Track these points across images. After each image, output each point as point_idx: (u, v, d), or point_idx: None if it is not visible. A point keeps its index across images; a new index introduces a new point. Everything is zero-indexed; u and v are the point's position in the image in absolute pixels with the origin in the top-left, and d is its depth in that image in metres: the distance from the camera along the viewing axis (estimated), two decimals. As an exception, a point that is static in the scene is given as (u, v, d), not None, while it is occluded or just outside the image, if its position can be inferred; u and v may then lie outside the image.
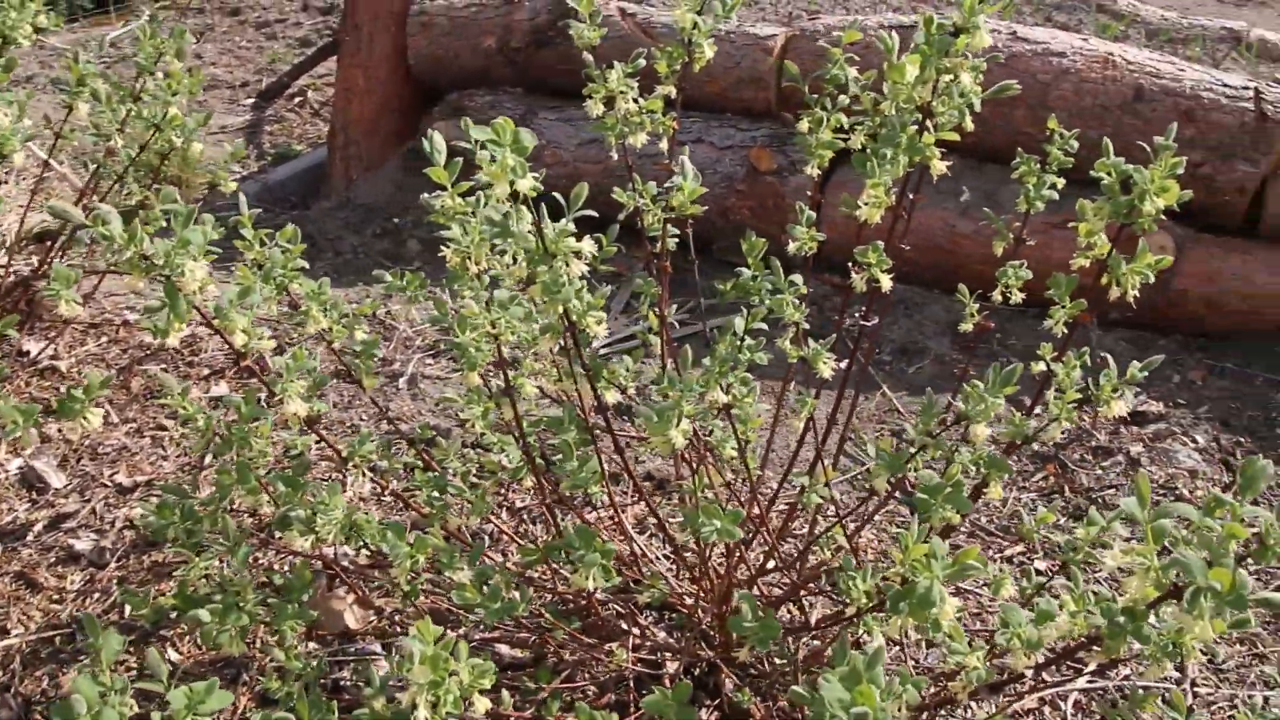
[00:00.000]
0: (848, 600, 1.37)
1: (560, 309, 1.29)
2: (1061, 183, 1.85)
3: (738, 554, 1.82)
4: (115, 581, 2.14)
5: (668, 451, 1.33)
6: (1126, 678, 2.08)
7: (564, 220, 1.31)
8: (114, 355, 2.86)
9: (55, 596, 2.10)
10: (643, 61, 1.72)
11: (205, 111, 2.61)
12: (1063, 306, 1.53)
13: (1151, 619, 1.11)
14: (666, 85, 2.02)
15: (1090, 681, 2.06)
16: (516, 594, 1.41)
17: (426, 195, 1.36)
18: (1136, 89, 3.10)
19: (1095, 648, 1.20)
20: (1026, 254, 1.89)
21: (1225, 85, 3.08)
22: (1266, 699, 1.49)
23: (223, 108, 5.17)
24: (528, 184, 1.17)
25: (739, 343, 1.44)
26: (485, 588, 1.34)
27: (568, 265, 1.30)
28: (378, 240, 3.89)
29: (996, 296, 1.88)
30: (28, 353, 2.75)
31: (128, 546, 2.22)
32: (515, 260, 1.27)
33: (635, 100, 1.75)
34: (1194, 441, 2.78)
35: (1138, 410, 2.88)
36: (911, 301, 3.39)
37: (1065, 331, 1.57)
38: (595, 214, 1.31)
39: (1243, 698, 2.06)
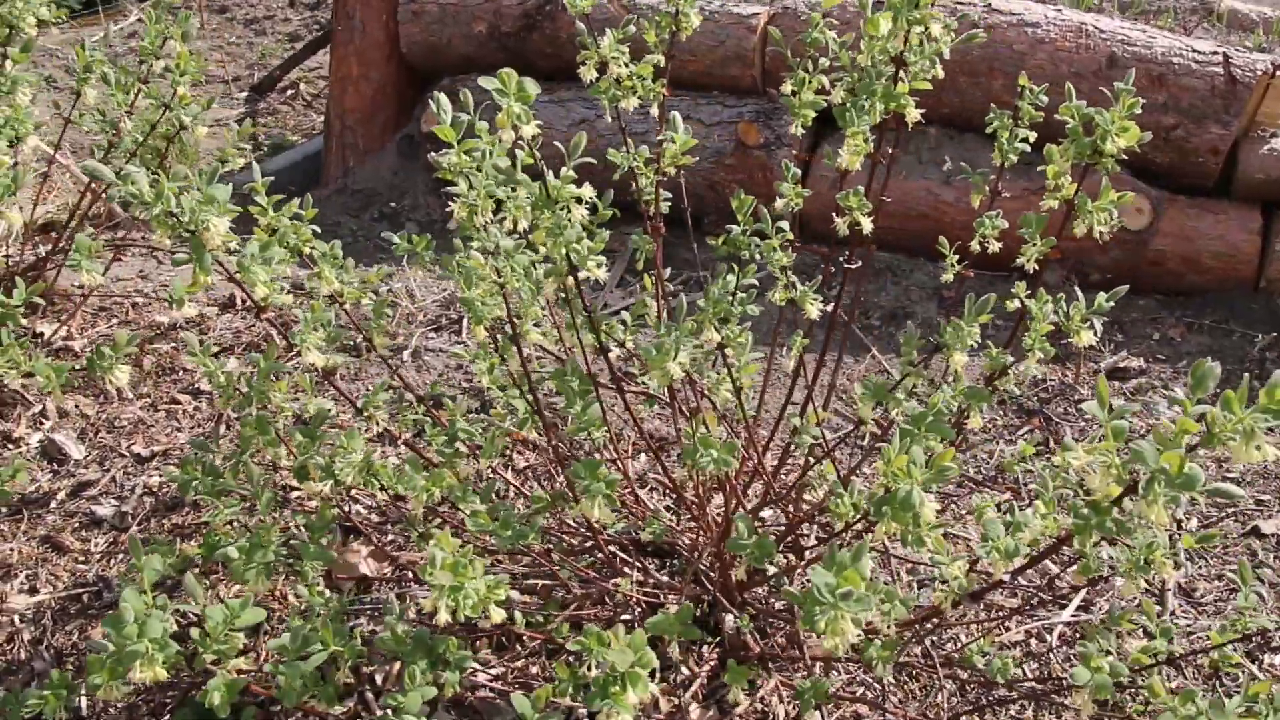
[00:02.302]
0: (836, 521, 1.46)
1: (563, 251, 1.38)
2: (1034, 136, 1.93)
3: (735, 499, 1.92)
4: (141, 540, 2.22)
5: (665, 382, 1.42)
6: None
7: (564, 168, 1.41)
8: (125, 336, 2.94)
9: (80, 558, 2.19)
10: (633, 29, 1.81)
11: (208, 96, 2.70)
12: (1033, 244, 1.61)
13: (1116, 513, 1.20)
14: (656, 54, 2.12)
15: (1074, 616, 2.16)
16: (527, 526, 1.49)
17: (434, 154, 1.44)
18: (1109, 57, 3.20)
19: (1066, 548, 1.29)
20: (1010, 218, 1.97)
21: (1195, 51, 3.18)
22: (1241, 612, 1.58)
23: (216, 102, 5.24)
24: (531, 130, 1.26)
25: (732, 287, 1.53)
26: (498, 517, 1.43)
27: (569, 211, 1.39)
28: (376, 224, 3.98)
29: (974, 246, 1.97)
30: (41, 334, 2.83)
31: (148, 511, 2.31)
32: (520, 212, 1.35)
33: (626, 65, 1.84)
34: (1173, 394, 2.88)
35: (1119, 366, 2.99)
36: (898, 269, 3.49)
37: (1037, 268, 1.65)
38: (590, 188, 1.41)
39: (1218, 628, 2.16)
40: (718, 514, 2.07)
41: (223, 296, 3.17)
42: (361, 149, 4.20)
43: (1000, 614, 2.08)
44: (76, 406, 2.64)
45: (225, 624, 1.24)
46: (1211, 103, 3.14)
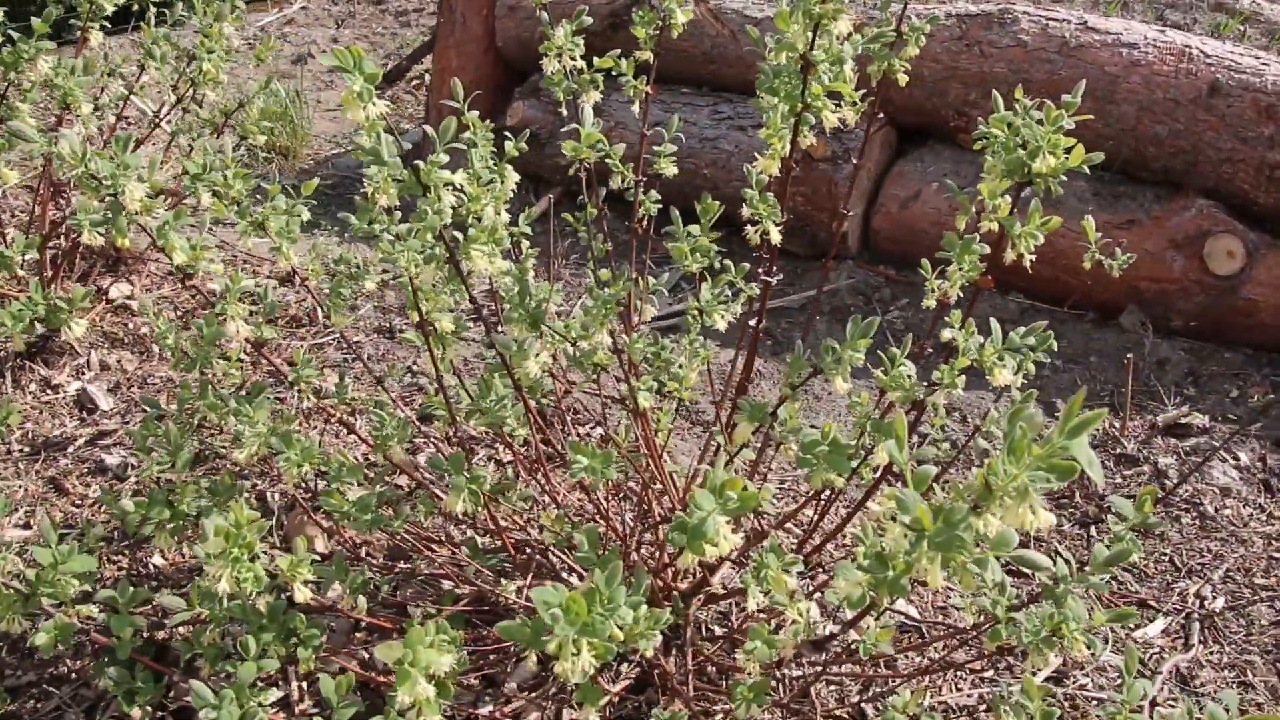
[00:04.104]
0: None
1: (429, 238, 1.37)
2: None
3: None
4: (131, 492, 2.35)
5: (528, 382, 1.38)
6: (1083, 686, 1.98)
7: (437, 150, 1.39)
8: (184, 299, 3.12)
9: (77, 501, 2.33)
10: (589, 20, 1.78)
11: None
12: (959, 269, 1.48)
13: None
14: (644, 51, 2.08)
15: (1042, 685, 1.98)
16: (393, 511, 1.48)
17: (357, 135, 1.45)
18: (1212, 84, 2.91)
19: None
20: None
21: (1314, 82, 2.86)
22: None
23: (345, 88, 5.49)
24: (377, 110, 1.25)
25: (616, 291, 1.48)
26: (356, 501, 1.43)
27: (439, 198, 1.38)
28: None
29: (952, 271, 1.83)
30: (106, 292, 3.03)
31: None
32: (384, 188, 1.35)
33: (582, 58, 1.81)
34: (1235, 459, 2.60)
35: (1180, 422, 2.71)
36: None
37: (961, 295, 1.51)
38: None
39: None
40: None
41: (284, 270, 3.31)
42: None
43: (947, 670, 1.92)
44: (119, 361, 2.81)
45: (53, 568, 1.29)
46: (1327, 140, 2.82)
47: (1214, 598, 2.20)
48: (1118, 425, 2.68)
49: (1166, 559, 2.32)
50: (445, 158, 1.39)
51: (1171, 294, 2.99)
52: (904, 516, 0.93)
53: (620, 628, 1.02)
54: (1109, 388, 2.87)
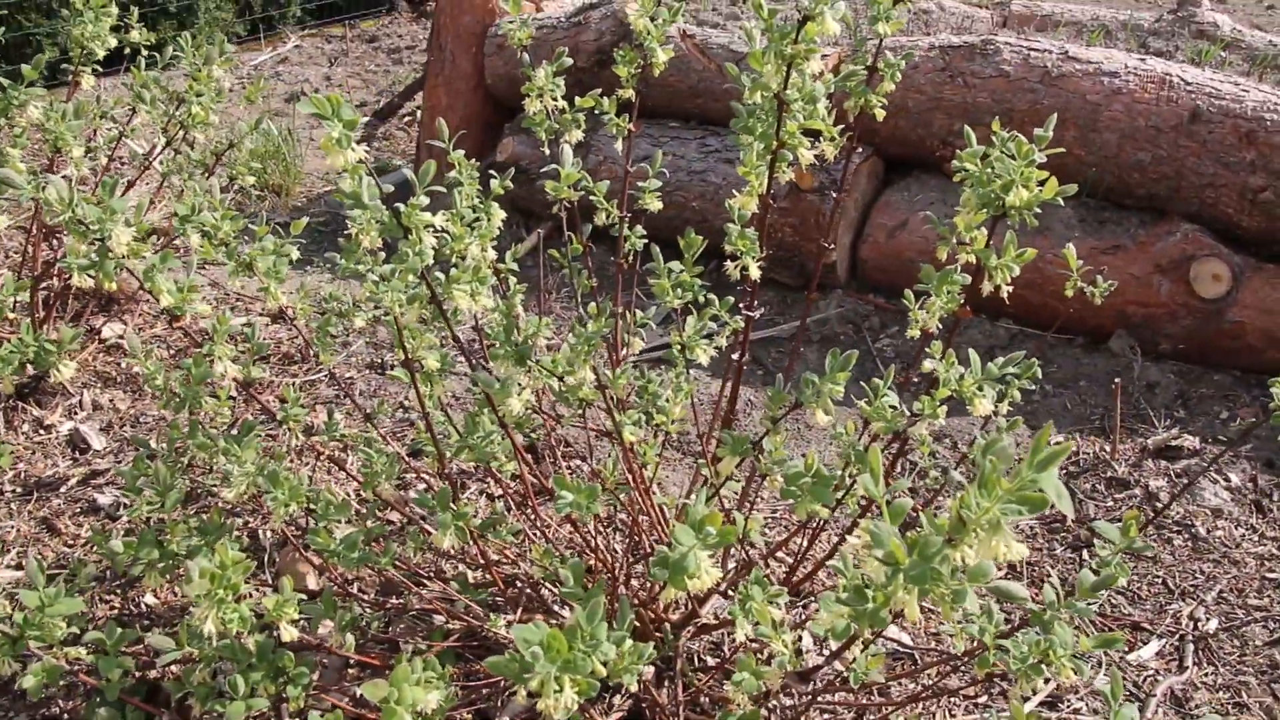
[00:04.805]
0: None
1: (410, 279, 1.38)
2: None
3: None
4: (123, 531, 2.35)
5: (512, 420, 1.39)
6: (1077, 710, 1.98)
7: (418, 193, 1.41)
8: (175, 338, 3.13)
9: (69, 542, 2.33)
10: (569, 60, 1.81)
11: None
12: (939, 301, 1.49)
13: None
14: (627, 89, 2.11)
15: (1034, 710, 1.98)
16: (380, 549, 1.49)
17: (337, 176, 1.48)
18: (1193, 111, 2.95)
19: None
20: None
21: (1293, 106, 2.89)
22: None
23: (339, 125, 5.54)
24: (356, 155, 1.27)
25: (598, 329, 1.49)
26: (341, 540, 1.43)
27: (420, 239, 1.39)
28: (447, 248, 4.10)
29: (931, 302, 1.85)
30: (98, 332, 3.05)
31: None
32: (368, 230, 1.37)
33: (563, 98, 1.84)
34: (1226, 480, 2.60)
35: (1171, 444, 2.72)
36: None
37: (940, 326, 1.53)
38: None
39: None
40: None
41: (276, 307, 3.33)
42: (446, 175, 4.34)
43: (939, 696, 1.92)
44: (111, 401, 2.82)
45: (40, 610, 1.29)
46: (1307, 164, 2.85)
47: (1207, 619, 2.20)
48: (1108, 449, 2.69)
49: (1159, 581, 2.32)
50: (426, 199, 1.41)
51: (1159, 318, 3.01)
52: (878, 551, 0.94)
53: (604, 663, 1.03)
54: (1099, 411, 2.88)
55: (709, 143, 3.67)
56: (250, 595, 2.07)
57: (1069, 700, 2.00)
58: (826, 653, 1.99)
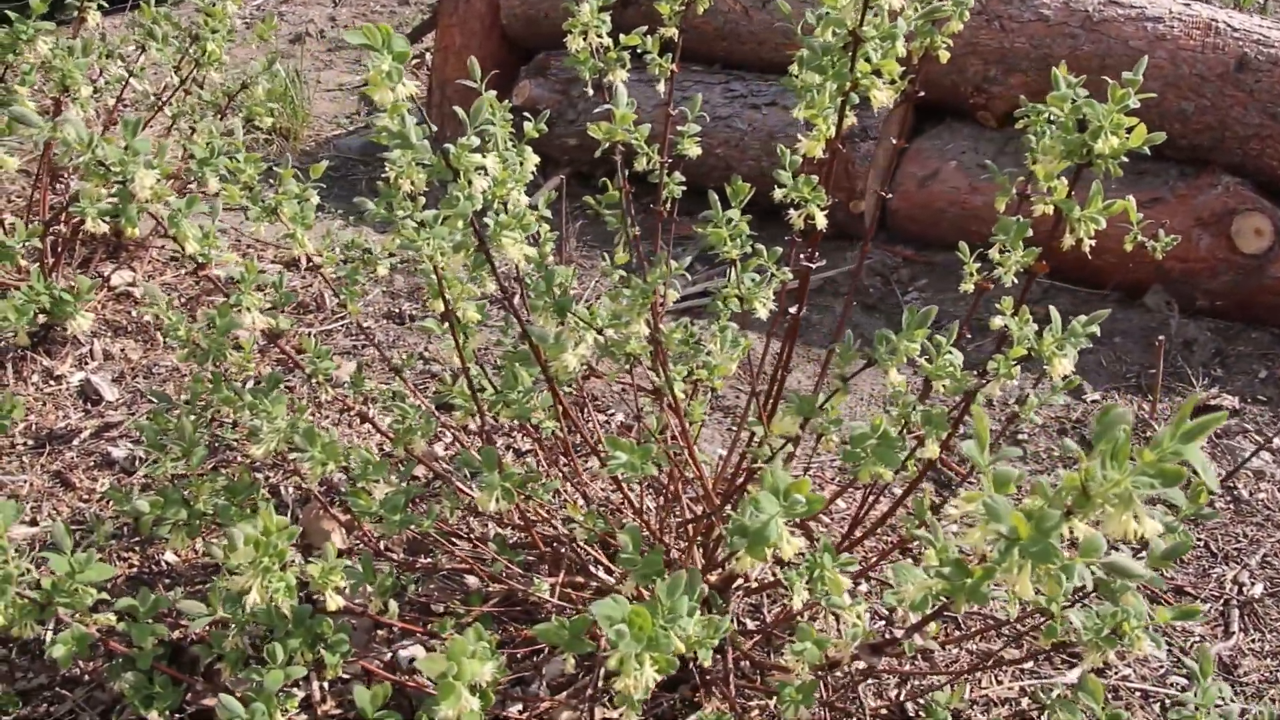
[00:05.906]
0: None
1: (459, 224, 1.30)
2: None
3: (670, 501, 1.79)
4: (140, 486, 2.28)
5: (565, 376, 1.32)
6: (1125, 677, 1.93)
7: (467, 134, 1.32)
8: (187, 285, 3.04)
9: (84, 496, 2.26)
10: (617, -5, 1.70)
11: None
12: (1012, 254, 1.41)
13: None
14: (670, 27, 2.00)
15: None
16: (424, 510, 1.42)
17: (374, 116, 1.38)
18: (1239, 58, 2.84)
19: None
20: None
21: (1346, 55, 2.79)
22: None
23: (344, 67, 5.40)
24: (405, 90, 1.18)
25: (665, 274, 1.41)
26: (384, 501, 1.37)
27: (470, 182, 1.31)
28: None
29: (994, 254, 1.76)
30: (108, 279, 2.95)
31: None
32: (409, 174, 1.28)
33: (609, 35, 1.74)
34: (1265, 439, 2.54)
35: (1209, 404, 2.66)
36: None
37: (1016, 281, 1.45)
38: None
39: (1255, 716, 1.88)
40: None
41: (290, 256, 3.24)
42: (459, 120, 4.22)
43: (988, 664, 1.87)
44: (123, 350, 2.74)
45: (70, 577, 1.22)
46: (1359, 115, 2.75)
47: (1252, 584, 2.15)
48: (1146, 408, 2.62)
49: (1201, 544, 2.27)
50: (476, 140, 1.32)
51: (1198, 273, 2.93)
52: (995, 525, 0.87)
53: (682, 640, 0.96)
54: (1135, 369, 2.81)
55: (734, 87, 3.55)
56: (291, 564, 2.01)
57: (1116, 667, 1.95)
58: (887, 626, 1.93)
